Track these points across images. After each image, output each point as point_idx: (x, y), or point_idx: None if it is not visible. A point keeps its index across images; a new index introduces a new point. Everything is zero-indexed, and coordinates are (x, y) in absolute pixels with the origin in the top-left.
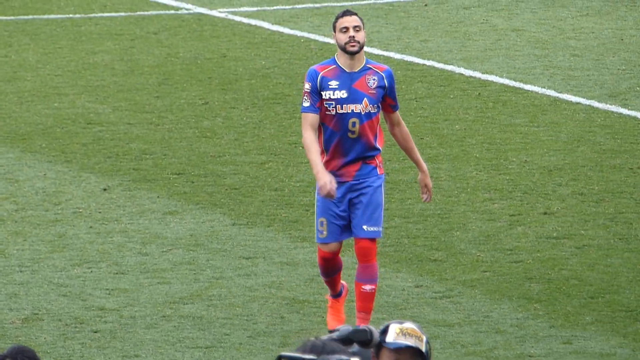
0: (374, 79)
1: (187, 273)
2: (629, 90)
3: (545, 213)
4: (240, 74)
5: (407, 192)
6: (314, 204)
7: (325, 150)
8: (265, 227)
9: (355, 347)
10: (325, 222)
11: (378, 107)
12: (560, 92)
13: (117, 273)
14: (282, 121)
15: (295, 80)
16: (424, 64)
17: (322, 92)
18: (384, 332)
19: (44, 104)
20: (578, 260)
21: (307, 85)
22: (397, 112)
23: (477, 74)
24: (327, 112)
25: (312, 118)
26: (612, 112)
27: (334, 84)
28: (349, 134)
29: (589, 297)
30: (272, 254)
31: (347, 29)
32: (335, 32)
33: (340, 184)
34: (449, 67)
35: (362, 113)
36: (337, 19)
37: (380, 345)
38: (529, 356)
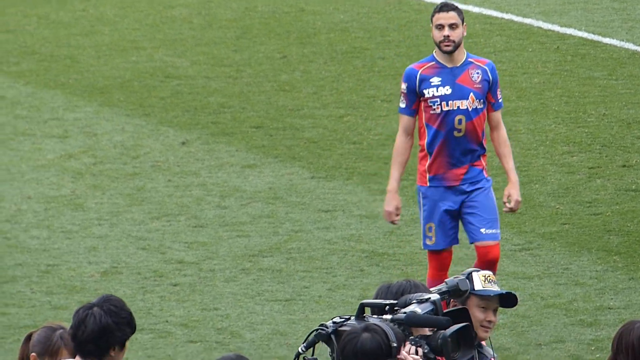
0: (477, 73)
1: (266, 226)
2: None
3: (624, 166)
4: (318, 28)
5: (487, 144)
6: (391, 157)
7: (429, 152)
8: (344, 180)
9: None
10: (433, 227)
11: (484, 102)
12: (638, 45)
13: (195, 226)
14: (360, 75)
15: (374, 34)
16: (502, 17)
17: (423, 91)
18: (470, 280)
19: (122, 57)
20: None
21: (403, 86)
22: (499, 112)
23: (556, 27)
24: (432, 112)
25: (407, 121)
26: None
27: (436, 80)
28: (455, 133)
29: None
30: (351, 206)
31: (442, 26)
32: (432, 25)
33: (446, 188)
34: (528, 20)
35: (469, 109)
36: (434, 12)
37: (469, 292)
38: (609, 308)
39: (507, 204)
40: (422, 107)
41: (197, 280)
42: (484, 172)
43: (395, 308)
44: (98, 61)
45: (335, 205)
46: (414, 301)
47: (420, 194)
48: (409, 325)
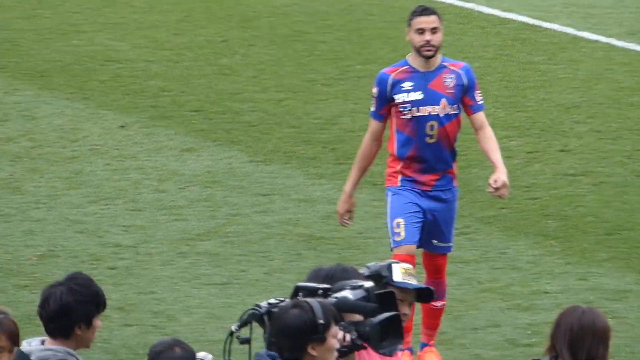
0: (451, 78)
1: (204, 210)
2: None
3: (562, 150)
4: (259, 12)
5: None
6: (331, 141)
7: (400, 157)
8: (282, 164)
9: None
10: (402, 223)
11: (458, 107)
12: (579, 30)
13: (133, 210)
14: (300, 59)
15: (315, 18)
16: (442, 2)
17: (394, 96)
18: (389, 270)
19: (63, 41)
20: (594, 197)
21: (374, 90)
22: (481, 113)
23: (497, 12)
24: (403, 117)
25: (375, 125)
26: (631, 50)
27: (407, 85)
28: (427, 139)
29: (605, 233)
30: (289, 191)
31: (423, 30)
32: (409, 28)
33: (417, 192)
34: (469, 5)
35: (441, 115)
36: (413, 15)
37: (386, 282)
38: (545, 293)
39: (493, 185)
40: (393, 112)
41: (134, 264)
42: (454, 181)
43: (329, 292)
44: (39, 44)
45: (273, 189)
46: (348, 287)
47: (390, 193)
48: (338, 310)
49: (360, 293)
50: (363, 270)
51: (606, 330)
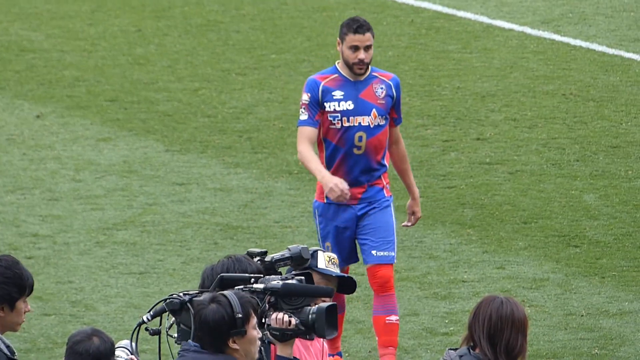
0: (382, 88)
1: (121, 199)
2: (561, 16)
3: (478, 139)
4: (173, 1)
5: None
6: (247, 130)
7: (327, 168)
8: (198, 153)
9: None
10: (330, 247)
11: (387, 118)
12: (493, 19)
13: (50, 200)
14: (215, 48)
15: (229, 8)
16: None
17: (324, 104)
18: (313, 257)
19: None
20: (511, 185)
21: (305, 97)
22: (398, 127)
23: (410, 1)
24: (332, 126)
25: (310, 132)
26: (545, 38)
27: (338, 94)
28: (355, 150)
29: (522, 222)
30: (206, 180)
31: (357, 48)
32: (341, 42)
33: (344, 207)
34: None
35: (371, 126)
36: (347, 30)
37: (310, 268)
38: (463, 281)
39: (409, 222)
40: (321, 121)
41: (51, 254)
42: (385, 191)
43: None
44: None
45: (190, 178)
46: (277, 279)
47: (317, 211)
48: (285, 294)
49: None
50: (284, 252)
51: (524, 320)
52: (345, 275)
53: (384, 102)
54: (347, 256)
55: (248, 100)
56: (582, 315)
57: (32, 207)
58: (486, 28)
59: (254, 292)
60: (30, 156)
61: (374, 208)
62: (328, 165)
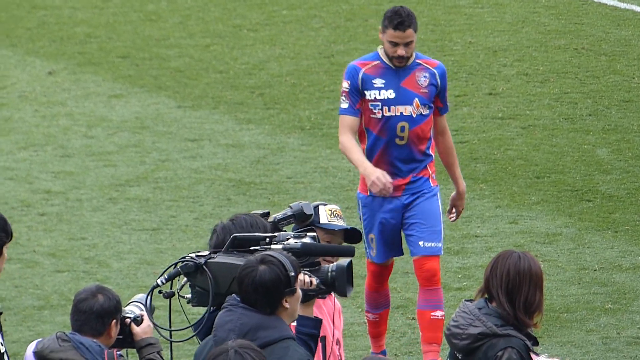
0: (425, 76)
1: (133, 156)
2: None
3: (490, 94)
4: None
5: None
6: (259, 86)
7: (368, 159)
8: (210, 109)
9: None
10: (374, 239)
11: (430, 107)
12: None
13: (62, 156)
14: (226, 4)
15: None
16: None
17: (365, 92)
18: (315, 212)
19: None
20: (523, 140)
21: (345, 84)
22: (444, 116)
23: None
24: (372, 116)
25: (351, 121)
26: None
27: (379, 82)
28: (397, 140)
29: (535, 177)
30: (218, 136)
31: (397, 44)
32: (382, 32)
33: (389, 198)
34: None
35: (413, 115)
36: (388, 24)
37: (313, 224)
38: (476, 236)
39: (452, 215)
40: (362, 109)
41: (64, 210)
42: (431, 181)
43: (274, 241)
44: None
45: (202, 134)
46: (290, 237)
47: (360, 202)
48: (305, 254)
49: (308, 240)
50: (286, 211)
51: (541, 275)
52: (349, 227)
53: (427, 91)
54: (392, 249)
55: (260, 56)
56: (595, 270)
57: (45, 164)
58: None
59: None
60: (43, 113)
61: (420, 198)
62: (369, 156)
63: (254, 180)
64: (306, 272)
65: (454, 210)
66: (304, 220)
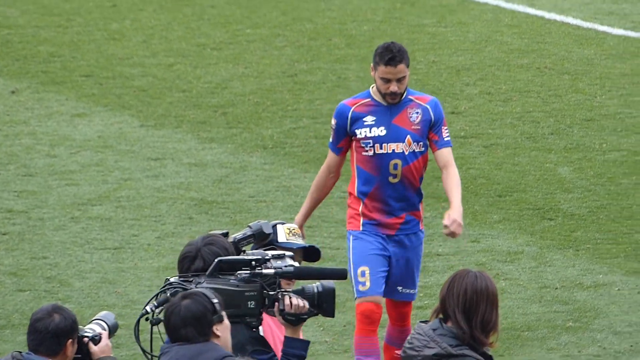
0: (417, 112)
1: (96, 175)
2: None
3: (453, 112)
4: None
5: (316, 92)
6: (221, 105)
7: (360, 198)
8: (173, 128)
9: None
10: (367, 271)
11: (425, 145)
12: None
13: (25, 175)
14: (190, 23)
15: None
16: None
17: (355, 131)
18: (274, 231)
19: None
20: (486, 159)
21: (333, 122)
22: (447, 150)
23: None
24: (364, 153)
25: (330, 158)
26: (519, 11)
27: (369, 119)
28: (390, 178)
29: (497, 195)
30: (181, 155)
31: (389, 80)
32: (374, 69)
33: (381, 237)
34: None
35: (406, 153)
36: (379, 60)
37: (272, 243)
38: (437, 255)
39: (445, 223)
40: (354, 147)
41: (26, 229)
42: (420, 224)
43: (261, 264)
44: None
45: (165, 153)
46: (269, 257)
47: (351, 237)
48: (298, 277)
49: (289, 261)
50: (245, 230)
51: (496, 294)
52: (307, 244)
53: (419, 127)
54: (383, 284)
55: (223, 75)
56: (556, 288)
57: (7, 183)
58: (461, 2)
59: (264, 276)
60: (5, 132)
61: (409, 246)
62: (362, 194)
63: (216, 199)
64: (298, 296)
65: (448, 220)
66: (263, 240)
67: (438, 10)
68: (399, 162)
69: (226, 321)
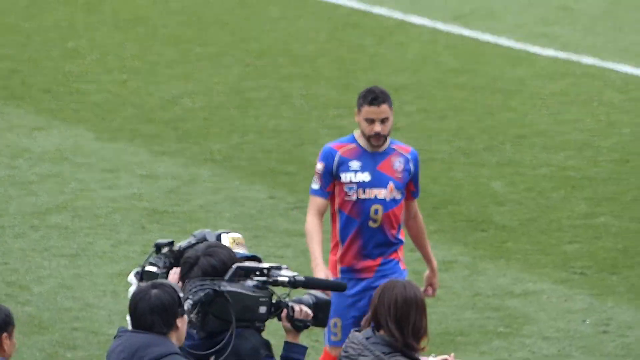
0: (399, 161)
1: (53, 185)
2: (472, 12)
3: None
4: None
5: (262, 108)
6: (173, 120)
7: (340, 241)
8: (127, 141)
9: None
10: (339, 324)
11: (403, 193)
12: (406, 14)
13: None
14: (142, 42)
15: (157, 2)
16: None
17: (340, 175)
18: (217, 240)
19: None
20: (423, 173)
21: (319, 166)
22: (415, 201)
23: None
24: (347, 197)
25: (320, 203)
26: (455, 33)
27: (355, 165)
28: (370, 223)
29: (433, 207)
30: (134, 167)
31: (373, 121)
32: (358, 112)
33: (358, 280)
34: None
35: (387, 199)
36: (362, 102)
37: None
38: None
39: (429, 292)
40: (337, 191)
41: None
42: (400, 264)
43: (270, 271)
44: None
45: (119, 165)
46: (268, 267)
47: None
48: (307, 287)
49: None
50: (190, 239)
51: (424, 301)
52: (250, 254)
53: (401, 175)
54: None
55: (174, 91)
56: (488, 296)
57: None
58: (400, 24)
59: (279, 284)
60: None
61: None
62: (342, 238)
63: (168, 209)
64: (302, 304)
65: (429, 288)
66: None
67: (378, 31)
68: (379, 207)
69: (185, 316)
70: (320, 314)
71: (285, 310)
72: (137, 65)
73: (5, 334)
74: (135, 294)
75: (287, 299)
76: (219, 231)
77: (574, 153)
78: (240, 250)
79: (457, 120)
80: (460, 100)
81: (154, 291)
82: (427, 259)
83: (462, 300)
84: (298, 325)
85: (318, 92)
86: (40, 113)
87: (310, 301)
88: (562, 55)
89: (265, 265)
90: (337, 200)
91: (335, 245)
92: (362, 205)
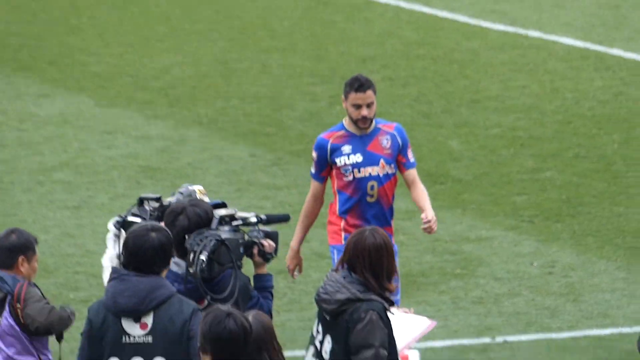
0: (387, 139)
1: (58, 146)
2: None
3: None
4: None
5: (244, 77)
6: (164, 88)
7: (342, 215)
8: (123, 107)
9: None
10: None
11: (395, 166)
12: None
13: None
14: (137, 19)
15: None
16: None
17: (335, 160)
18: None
19: None
20: None
21: (314, 154)
22: (413, 170)
23: None
24: (345, 178)
25: (316, 186)
26: (416, 10)
27: (347, 149)
28: (368, 198)
29: None
30: (130, 129)
31: (359, 106)
32: (345, 99)
33: None
34: None
35: (380, 175)
36: (349, 89)
37: None
38: None
39: (424, 220)
40: (334, 174)
41: None
42: (392, 238)
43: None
44: None
45: (116, 128)
46: (235, 211)
47: (336, 252)
48: (269, 222)
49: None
50: (177, 196)
51: (392, 245)
52: (218, 201)
53: (390, 151)
54: None
55: (165, 62)
56: (446, 241)
57: None
58: (367, 2)
59: (249, 224)
60: None
61: None
62: (343, 213)
63: (160, 167)
64: (267, 238)
65: (426, 215)
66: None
67: (347, 9)
68: (375, 183)
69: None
70: (275, 244)
71: (256, 247)
72: (132, 40)
73: (22, 257)
74: (134, 236)
75: (256, 237)
76: (185, 184)
77: (522, 115)
78: (205, 199)
79: (418, 87)
80: (420, 70)
81: (154, 234)
82: (423, 209)
83: (423, 246)
84: (268, 258)
85: (294, 62)
86: (46, 82)
87: (262, 235)
88: (510, 29)
89: (232, 210)
90: (336, 183)
91: (337, 218)
92: (359, 183)
